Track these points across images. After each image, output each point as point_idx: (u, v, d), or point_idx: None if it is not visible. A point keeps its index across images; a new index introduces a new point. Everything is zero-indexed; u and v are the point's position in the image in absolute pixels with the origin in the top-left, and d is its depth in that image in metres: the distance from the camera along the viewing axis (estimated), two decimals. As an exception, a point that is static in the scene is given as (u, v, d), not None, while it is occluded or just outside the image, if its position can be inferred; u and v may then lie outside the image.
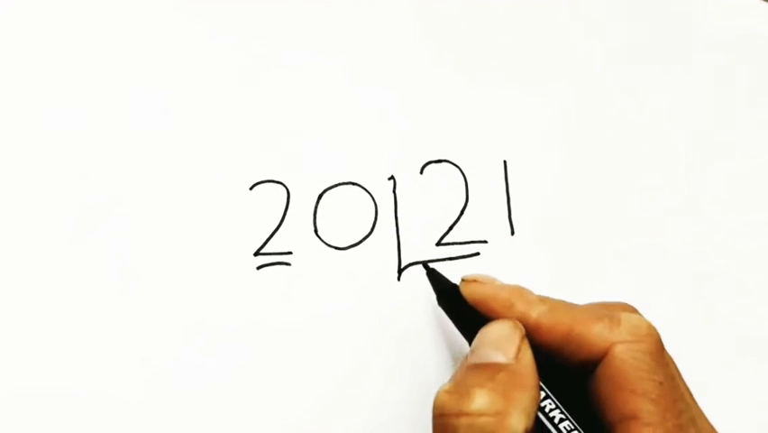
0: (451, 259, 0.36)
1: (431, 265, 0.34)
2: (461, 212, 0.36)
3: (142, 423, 0.33)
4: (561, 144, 0.37)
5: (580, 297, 0.36)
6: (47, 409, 0.33)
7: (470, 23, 0.38)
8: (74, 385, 0.33)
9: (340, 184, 0.36)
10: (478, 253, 0.36)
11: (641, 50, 0.38)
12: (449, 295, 0.31)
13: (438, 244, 0.36)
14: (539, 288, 0.36)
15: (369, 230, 0.36)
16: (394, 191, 0.36)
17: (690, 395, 0.27)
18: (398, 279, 0.35)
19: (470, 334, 0.29)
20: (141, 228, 0.35)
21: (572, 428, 0.25)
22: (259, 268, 0.35)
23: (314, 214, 0.36)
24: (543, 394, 0.26)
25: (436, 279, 0.32)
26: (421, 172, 0.37)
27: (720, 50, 0.39)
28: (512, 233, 0.36)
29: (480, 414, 0.24)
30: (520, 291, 0.28)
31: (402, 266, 0.35)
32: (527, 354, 0.26)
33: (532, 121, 0.37)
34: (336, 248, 0.35)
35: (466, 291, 0.29)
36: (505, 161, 0.37)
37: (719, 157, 0.38)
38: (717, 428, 0.35)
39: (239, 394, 0.34)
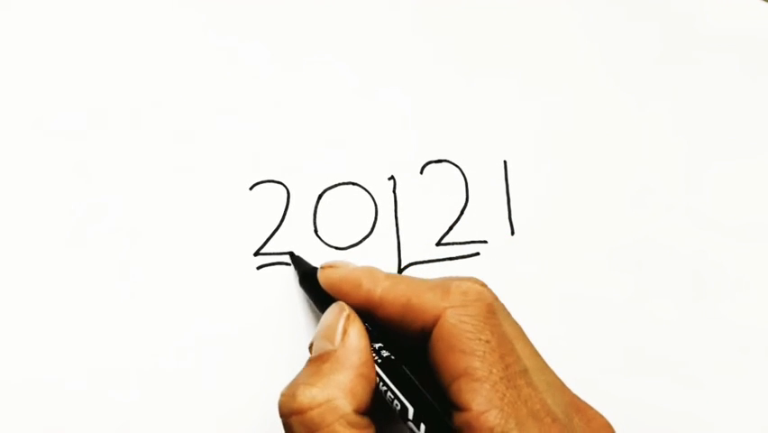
0: (451, 259, 0.36)
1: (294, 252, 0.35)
2: (461, 212, 0.36)
3: (141, 422, 0.33)
4: (561, 144, 0.37)
5: (580, 297, 0.36)
6: (46, 406, 0.33)
7: (471, 23, 0.38)
8: (72, 384, 0.33)
9: (340, 184, 0.36)
10: (478, 254, 0.36)
11: (641, 51, 0.38)
12: (310, 277, 0.32)
13: (438, 244, 0.36)
14: (539, 288, 0.36)
15: (369, 230, 0.36)
16: (394, 191, 0.36)
17: (530, 351, 0.28)
18: (398, 279, 0.35)
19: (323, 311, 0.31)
20: (142, 228, 0.35)
21: (400, 403, 0.27)
22: (259, 268, 0.35)
23: (314, 214, 0.36)
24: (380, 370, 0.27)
25: (298, 262, 0.34)
26: (421, 172, 0.37)
27: (720, 50, 0.39)
28: (512, 233, 0.36)
29: (309, 409, 0.26)
30: (369, 271, 0.30)
31: (402, 266, 0.35)
32: (353, 335, 0.28)
33: (532, 121, 0.37)
34: (336, 248, 0.35)
35: (321, 278, 0.31)
36: (505, 161, 0.37)
37: (719, 157, 0.38)
38: (717, 427, 0.35)
39: (238, 394, 0.34)
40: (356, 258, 0.35)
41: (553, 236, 0.36)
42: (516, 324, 0.28)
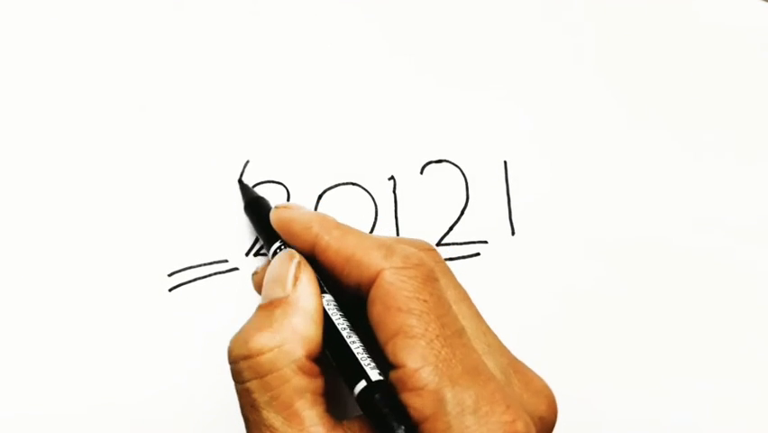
0: (451, 259, 0.36)
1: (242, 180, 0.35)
2: (462, 212, 0.36)
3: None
4: (561, 144, 0.37)
5: (581, 296, 0.36)
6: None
7: (472, 22, 0.38)
8: (72, 391, 0.33)
9: (340, 184, 0.36)
10: (478, 254, 0.36)
11: (641, 51, 0.38)
12: (254, 205, 0.33)
13: (438, 244, 0.36)
14: (539, 288, 0.36)
15: (369, 230, 0.36)
16: (394, 191, 0.36)
17: (471, 313, 0.28)
18: (398, 279, 0.35)
19: (264, 238, 0.32)
20: (140, 228, 0.35)
21: (354, 337, 0.27)
22: (259, 268, 0.35)
23: (314, 214, 0.36)
24: (333, 314, 0.28)
25: (245, 190, 0.35)
26: (421, 172, 0.37)
27: (720, 49, 0.39)
28: (512, 233, 0.36)
29: (259, 353, 0.26)
30: (322, 217, 0.30)
31: (402, 266, 0.35)
32: (304, 281, 0.28)
33: (532, 121, 0.37)
34: (336, 248, 0.35)
35: (274, 217, 0.31)
36: (505, 161, 0.37)
37: (719, 157, 0.38)
38: (717, 427, 0.35)
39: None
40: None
41: (553, 236, 0.36)
42: (460, 287, 0.29)
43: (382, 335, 0.26)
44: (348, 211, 0.36)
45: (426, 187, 0.36)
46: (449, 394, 0.24)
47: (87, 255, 0.35)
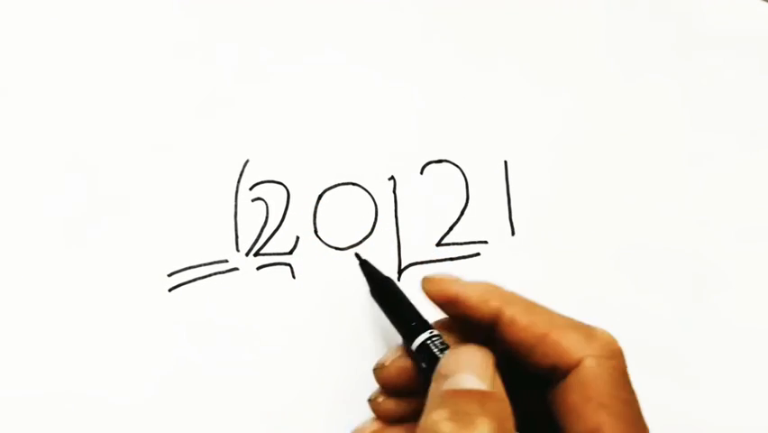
0: (451, 259, 0.36)
1: (363, 257, 0.34)
2: (462, 212, 0.36)
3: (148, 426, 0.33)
4: (561, 144, 0.37)
5: (581, 297, 0.36)
6: None
7: (472, 22, 0.38)
8: (71, 391, 0.33)
9: (340, 184, 0.36)
10: (478, 254, 0.36)
11: (641, 51, 0.38)
12: (382, 287, 0.31)
13: (438, 244, 0.36)
14: (539, 288, 0.36)
15: (369, 230, 0.36)
16: (394, 191, 0.36)
17: (641, 413, 0.27)
18: (398, 279, 0.35)
19: (403, 327, 0.29)
20: (140, 228, 0.35)
21: None
22: (259, 268, 0.35)
23: (314, 214, 0.36)
24: None
25: (369, 270, 0.33)
26: (421, 172, 0.37)
27: (720, 50, 0.39)
28: (512, 233, 0.36)
29: None
30: (497, 288, 0.27)
31: (402, 266, 0.35)
32: (499, 380, 0.25)
33: (532, 121, 0.37)
34: (336, 248, 0.35)
35: (434, 291, 0.28)
36: (505, 161, 0.37)
37: (719, 157, 0.38)
38: (717, 427, 0.35)
39: (238, 394, 0.34)
40: (356, 258, 0.35)
41: (553, 237, 0.36)
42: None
43: (576, 426, 0.25)
44: (348, 211, 0.36)
45: (426, 187, 0.36)
46: None
47: (88, 255, 0.35)
